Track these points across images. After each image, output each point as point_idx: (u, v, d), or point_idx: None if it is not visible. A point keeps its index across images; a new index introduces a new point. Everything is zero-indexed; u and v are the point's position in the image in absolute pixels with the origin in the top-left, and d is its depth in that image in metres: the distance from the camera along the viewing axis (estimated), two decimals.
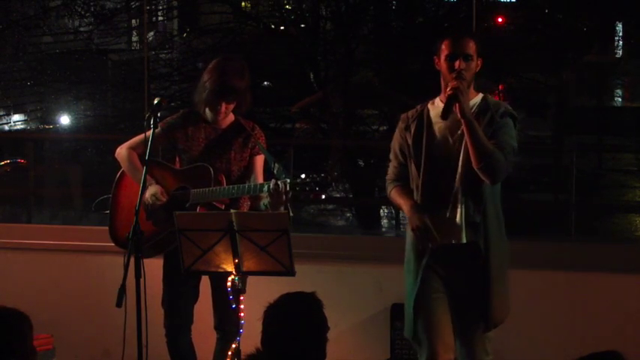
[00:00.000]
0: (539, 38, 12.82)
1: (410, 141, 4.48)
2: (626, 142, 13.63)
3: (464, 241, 4.38)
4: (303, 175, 4.48)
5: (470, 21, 6.73)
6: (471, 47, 4.39)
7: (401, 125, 4.56)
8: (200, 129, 4.90)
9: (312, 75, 12.16)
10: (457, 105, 4.26)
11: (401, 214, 11.75)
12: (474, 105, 4.42)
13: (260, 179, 4.86)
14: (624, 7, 12.61)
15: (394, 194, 4.57)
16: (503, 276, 4.44)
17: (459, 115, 4.28)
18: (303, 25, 12.90)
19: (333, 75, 12.18)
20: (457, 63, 4.35)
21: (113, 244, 5.02)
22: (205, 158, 4.85)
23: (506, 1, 13.53)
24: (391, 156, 4.63)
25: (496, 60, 11.94)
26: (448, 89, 4.30)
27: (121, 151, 4.97)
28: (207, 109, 4.85)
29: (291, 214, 4.54)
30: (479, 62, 4.43)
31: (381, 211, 12.17)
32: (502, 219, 4.46)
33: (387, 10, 12.92)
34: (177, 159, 4.99)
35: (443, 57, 4.41)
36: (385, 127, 12.08)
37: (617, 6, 12.61)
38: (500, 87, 12.77)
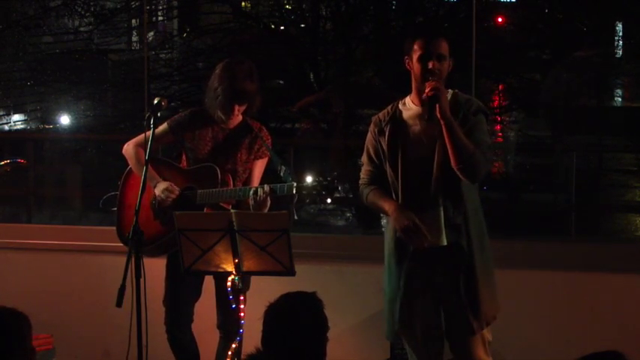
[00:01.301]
0: (539, 38, 12.81)
1: (385, 144, 4.42)
2: (626, 142, 13.60)
3: (444, 243, 4.34)
4: (309, 179, 4.46)
5: (470, 20, 6.72)
6: (444, 47, 4.35)
7: (374, 128, 4.49)
8: (208, 129, 4.93)
9: (312, 75, 12.15)
10: (437, 106, 4.23)
11: None
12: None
13: (255, 182, 4.87)
14: (624, 7, 12.60)
15: (373, 197, 4.49)
16: (489, 274, 4.42)
17: (438, 115, 4.25)
18: (303, 25, 12.89)
19: (334, 75, 12.17)
20: (431, 63, 4.31)
21: (113, 244, 5.02)
22: (212, 158, 4.87)
23: (506, 1, 13.52)
24: (364, 159, 4.56)
25: (496, 60, 11.94)
26: (428, 90, 4.25)
27: (128, 148, 5.00)
28: (219, 112, 4.88)
29: (296, 217, 4.54)
30: (450, 62, 4.39)
31: None
32: (482, 216, 4.44)
33: (387, 10, 12.90)
34: (183, 157, 5.01)
35: (416, 57, 4.37)
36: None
37: (617, 6, 12.60)
38: (500, 87, 12.76)
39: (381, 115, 4.51)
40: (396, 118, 4.44)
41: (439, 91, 4.23)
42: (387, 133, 4.42)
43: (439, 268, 4.38)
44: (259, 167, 4.94)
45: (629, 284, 5.52)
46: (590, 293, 5.55)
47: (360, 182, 4.58)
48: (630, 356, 3.04)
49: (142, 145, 4.93)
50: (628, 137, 13.49)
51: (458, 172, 4.27)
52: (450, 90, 4.43)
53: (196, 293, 5.01)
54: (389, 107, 4.51)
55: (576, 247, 5.97)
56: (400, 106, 4.47)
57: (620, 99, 15.50)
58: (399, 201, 4.39)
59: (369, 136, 4.53)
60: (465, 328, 4.37)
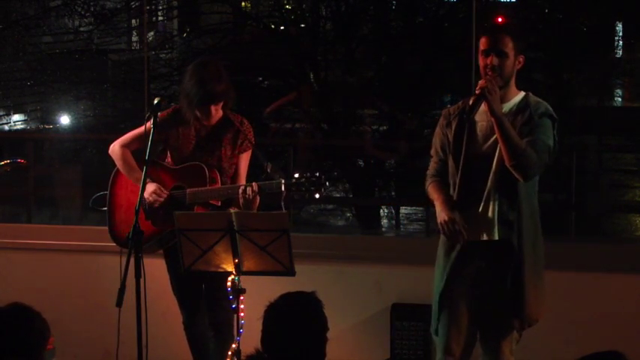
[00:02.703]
0: (539, 38, 12.80)
1: (451, 138, 4.48)
2: (626, 142, 13.61)
3: (496, 237, 4.38)
4: (297, 175, 4.49)
5: (470, 20, 6.72)
6: (507, 44, 4.37)
7: (442, 121, 4.57)
8: (190, 126, 4.97)
9: (312, 75, 12.15)
10: (487, 104, 4.28)
11: (401, 214, 11.75)
12: (514, 104, 4.42)
13: (242, 176, 4.89)
14: (624, 7, 12.60)
15: (431, 189, 4.56)
16: (538, 275, 4.45)
17: (488, 113, 4.30)
18: (303, 25, 12.90)
19: (334, 75, 12.17)
20: (489, 59, 4.35)
21: (113, 244, 5.02)
22: (197, 155, 4.90)
23: (506, 1, 13.53)
24: (432, 152, 4.63)
25: None
26: (477, 88, 4.31)
27: (114, 149, 5.02)
28: (197, 113, 4.90)
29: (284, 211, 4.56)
30: (520, 59, 4.43)
31: (381, 211, 12.17)
32: (538, 219, 4.47)
33: (387, 10, 12.90)
34: (168, 154, 5.02)
35: (480, 53, 4.41)
36: (385, 127, 12.07)
37: (617, 6, 12.60)
38: None
39: (451, 109, 4.59)
40: (465, 112, 4.48)
41: (486, 89, 4.27)
42: (453, 127, 4.48)
43: (487, 263, 4.42)
44: (244, 160, 4.97)
45: (629, 284, 5.52)
46: (590, 293, 5.55)
47: (427, 173, 4.65)
48: (630, 356, 3.04)
49: (129, 145, 5.00)
50: (628, 137, 13.49)
51: (511, 170, 4.31)
52: (522, 92, 4.48)
53: (201, 276, 5.00)
54: (460, 102, 4.58)
55: (576, 247, 5.97)
56: (471, 101, 4.50)
57: (620, 99, 15.50)
58: (456, 194, 4.45)
59: (438, 129, 4.60)
60: (505, 325, 4.41)
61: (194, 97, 4.84)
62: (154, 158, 5.06)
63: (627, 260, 5.61)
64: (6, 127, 13.41)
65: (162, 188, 4.88)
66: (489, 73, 4.33)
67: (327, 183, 4.57)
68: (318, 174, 4.50)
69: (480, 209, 4.40)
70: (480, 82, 4.32)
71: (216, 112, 4.91)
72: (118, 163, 5.01)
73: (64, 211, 10.67)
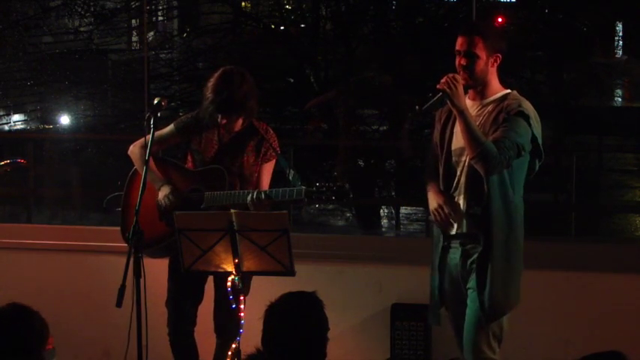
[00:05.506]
0: (539, 38, 12.81)
1: (439, 131, 4.60)
2: (626, 142, 13.61)
3: (464, 230, 4.46)
4: (318, 184, 4.49)
5: (470, 20, 6.72)
6: (477, 45, 4.45)
7: (437, 116, 4.66)
8: (214, 131, 4.92)
9: (312, 75, 12.15)
10: (448, 98, 4.39)
11: (401, 214, 11.77)
12: (491, 101, 4.49)
13: (265, 186, 4.86)
14: (624, 7, 12.61)
15: (426, 178, 4.65)
16: (510, 270, 4.49)
17: (450, 106, 4.41)
18: (303, 25, 12.90)
19: (334, 75, 12.17)
20: (458, 60, 4.46)
21: (113, 244, 5.02)
22: (219, 160, 4.85)
23: (506, 1, 13.53)
24: (432, 145, 4.73)
25: None
26: (438, 85, 4.40)
27: (134, 150, 4.98)
28: (217, 117, 4.86)
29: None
30: (496, 58, 4.49)
31: (381, 211, 12.17)
32: (517, 214, 4.53)
33: (387, 10, 12.91)
34: (188, 157, 4.99)
35: (456, 53, 4.51)
36: (385, 127, 12.07)
37: (617, 6, 12.61)
38: None
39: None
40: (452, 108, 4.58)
41: (446, 85, 4.36)
42: (442, 121, 4.60)
43: (460, 255, 4.51)
44: (267, 170, 4.92)
45: (629, 284, 5.52)
46: (590, 293, 5.55)
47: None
48: (630, 356, 3.04)
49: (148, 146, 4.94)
50: (628, 137, 13.50)
51: (472, 162, 4.39)
52: (506, 90, 4.54)
53: (198, 296, 5.00)
54: None
55: (576, 247, 5.97)
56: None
57: (620, 99, 15.51)
58: (440, 184, 4.55)
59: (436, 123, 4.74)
60: (475, 316, 4.46)
61: (210, 104, 4.80)
62: (174, 160, 5.05)
63: (627, 260, 5.61)
64: (6, 127, 13.41)
65: (177, 190, 4.85)
66: (461, 72, 4.44)
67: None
68: (339, 184, 4.50)
69: (454, 202, 4.49)
70: (442, 80, 4.40)
71: (235, 121, 4.87)
72: (137, 164, 4.97)
73: (64, 211, 10.66)
